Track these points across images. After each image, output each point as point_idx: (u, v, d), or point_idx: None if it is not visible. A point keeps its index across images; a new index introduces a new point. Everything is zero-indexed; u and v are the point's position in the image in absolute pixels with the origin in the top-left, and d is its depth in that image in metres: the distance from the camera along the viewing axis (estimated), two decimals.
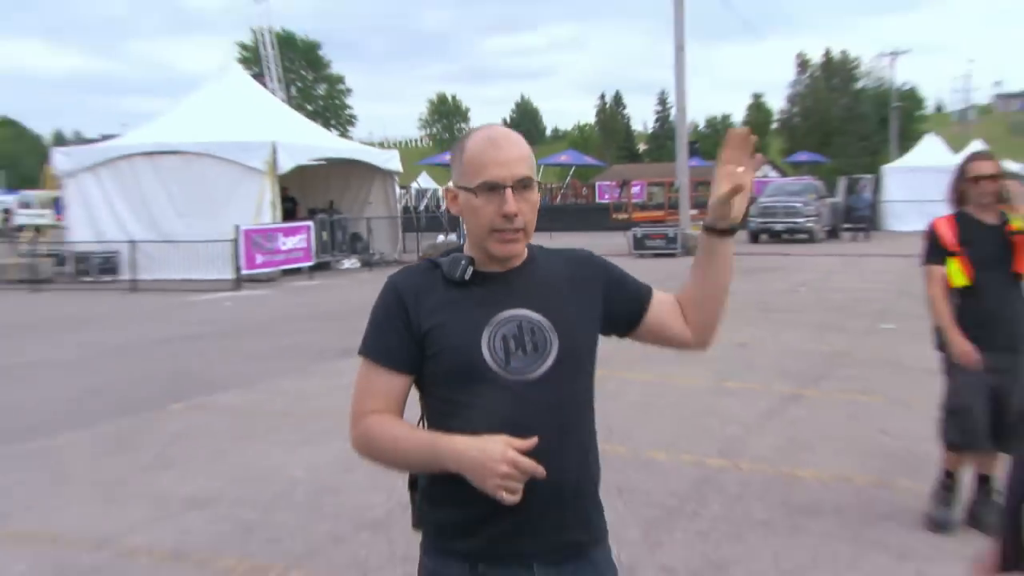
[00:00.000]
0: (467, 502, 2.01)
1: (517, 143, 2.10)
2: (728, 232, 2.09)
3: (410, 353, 2.09)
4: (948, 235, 4.58)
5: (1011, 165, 26.65)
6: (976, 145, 30.64)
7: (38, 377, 9.50)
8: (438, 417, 2.10)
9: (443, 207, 31.79)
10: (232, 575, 4.59)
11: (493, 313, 2.07)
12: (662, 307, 2.23)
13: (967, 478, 4.83)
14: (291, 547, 4.87)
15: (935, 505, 4.83)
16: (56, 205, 22.10)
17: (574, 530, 2.13)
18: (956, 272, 4.57)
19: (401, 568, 4.55)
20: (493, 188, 2.03)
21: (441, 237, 26.33)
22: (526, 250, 2.16)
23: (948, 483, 4.84)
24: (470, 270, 2.10)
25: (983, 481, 4.81)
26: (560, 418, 2.07)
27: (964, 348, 4.54)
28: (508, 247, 2.07)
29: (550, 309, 2.10)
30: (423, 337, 2.08)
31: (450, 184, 2.14)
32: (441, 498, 2.09)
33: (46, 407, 8.10)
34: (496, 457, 1.90)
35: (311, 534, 5.06)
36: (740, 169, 2.04)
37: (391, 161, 24.51)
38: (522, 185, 2.03)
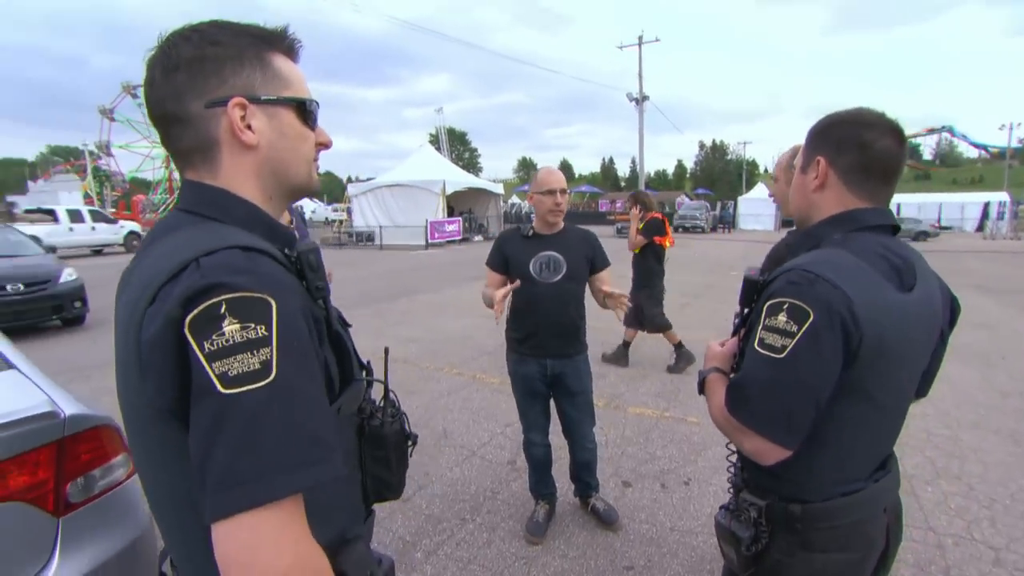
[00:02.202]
0: (522, 330, 2.23)
1: (559, 173, 2.19)
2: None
3: (503, 265, 2.22)
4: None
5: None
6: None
7: (344, 285, 9.79)
8: (515, 295, 2.22)
9: (523, 211, 31.45)
10: (427, 370, 4.82)
11: (537, 252, 2.18)
12: (601, 278, 2.24)
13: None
14: (454, 360, 5.11)
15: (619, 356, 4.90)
16: (348, 210, 22.49)
17: (566, 347, 2.25)
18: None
19: (499, 371, 4.70)
20: (551, 192, 2.14)
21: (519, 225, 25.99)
22: (563, 224, 2.24)
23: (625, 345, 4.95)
24: (532, 231, 2.23)
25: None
26: (563, 300, 2.18)
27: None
28: (557, 218, 2.18)
29: (565, 253, 2.18)
30: (506, 260, 2.22)
31: (530, 192, 2.24)
32: (512, 327, 2.28)
33: (348, 298, 8.36)
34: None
35: (462, 356, 5.28)
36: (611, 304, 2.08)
37: (498, 188, 24.24)
38: (561, 191, 2.14)
